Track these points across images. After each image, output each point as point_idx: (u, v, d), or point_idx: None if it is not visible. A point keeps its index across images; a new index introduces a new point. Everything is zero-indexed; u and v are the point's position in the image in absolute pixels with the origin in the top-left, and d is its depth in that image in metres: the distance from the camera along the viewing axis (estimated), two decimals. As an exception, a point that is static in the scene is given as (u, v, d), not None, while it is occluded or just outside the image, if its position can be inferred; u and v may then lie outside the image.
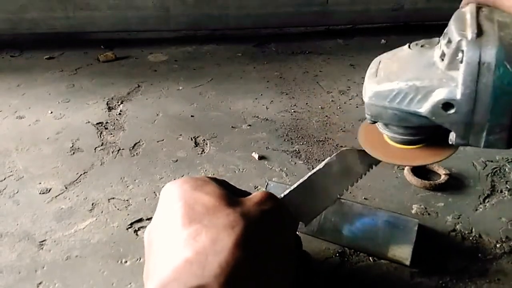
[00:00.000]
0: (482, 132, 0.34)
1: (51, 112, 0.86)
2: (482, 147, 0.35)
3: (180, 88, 0.97)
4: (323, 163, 0.45)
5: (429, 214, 0.56)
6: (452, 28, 0.35)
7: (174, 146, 0.73)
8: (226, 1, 1.24)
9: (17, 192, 0.62)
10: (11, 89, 0.97)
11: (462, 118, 0.34)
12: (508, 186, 0.61)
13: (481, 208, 0.57)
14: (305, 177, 0.44)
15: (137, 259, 0.50)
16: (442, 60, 0.35)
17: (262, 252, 0.33)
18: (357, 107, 0.86)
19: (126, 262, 0.50)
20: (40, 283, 0.47)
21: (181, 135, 0.77)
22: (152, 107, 0.88)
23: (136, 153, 0.71)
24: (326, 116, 0.83)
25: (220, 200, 0.35)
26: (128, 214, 0.57)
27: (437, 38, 0.39)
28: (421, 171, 0.63)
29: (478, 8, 0.36)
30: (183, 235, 0.32)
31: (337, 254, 0.50)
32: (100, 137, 0.76)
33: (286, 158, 0.69)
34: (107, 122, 0.81)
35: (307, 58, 1.15)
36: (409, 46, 0.40)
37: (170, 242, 0.33)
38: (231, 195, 0.37)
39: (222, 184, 0.40)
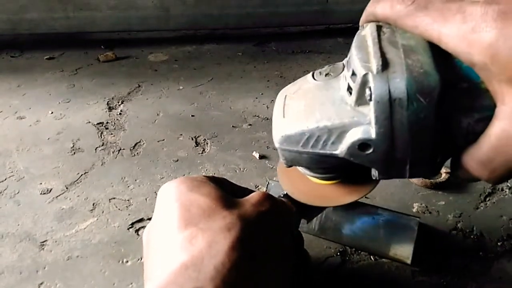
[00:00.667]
0: (405, 166, 0.32)
1: (52, 113, 0.86)
2: (407, 178, 0.33)
3: (181, 87, 0.97)
4: None
5: (430, 212, 0.56)
6: (355, 59, 0.31)
7: (175, 145, 0.73)
8: (226, 0, 1.24)
9: (18, 192, 0.62)
10: (11, 89, 0.97)
11: (382, 157, 0.31)
12: (509, 184, 0.61)
13: (482, 206, 0.57)
14: None
15: (138, 259, 0.50)
16: (350, 93, 0.32)
17: (259, 254, 0.33)
18: (357, 106, 0.86)
19: (127, 262, 0.50)
20: (41, 284, 0.47)
21: (181, 134, 0.77)
22: (152, 107, 0.88)
23: (137, 153, 0.71)
24: (327, 115, 0.83)
25: (216, 201, 0.35)
26: (129, 214, 0.57)
27: (341, 63, 0.36)
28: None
29: (379, 29, 0.32)
30: (179, 238, 0.32)
31: (338, 253, 0.50)
32: (101, 137, 0.76)
33: (286, 157, 0.69)
34: (107, 122, 0.81)
35: (307, 57, 1.15)
36: (313, 76, 0.37)
37: (166, 244, 0.33)
38: (228, 196, 0.37)
39: (220, 183, 0.40)
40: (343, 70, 0.35)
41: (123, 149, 0.72)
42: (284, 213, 0.39)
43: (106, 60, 1.13)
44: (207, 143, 0.74)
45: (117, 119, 0.83)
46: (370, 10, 0.34)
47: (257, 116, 0.83)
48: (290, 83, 0.40)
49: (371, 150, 0.31)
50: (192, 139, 0.75)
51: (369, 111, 0.30)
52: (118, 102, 0.90)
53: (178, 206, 0.35)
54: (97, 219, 0.57)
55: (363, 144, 0.32)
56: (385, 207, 0.52)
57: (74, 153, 0.72)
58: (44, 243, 0.53)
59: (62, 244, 0.53)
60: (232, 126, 0.79)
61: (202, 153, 0.71)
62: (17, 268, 0.49)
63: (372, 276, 0.47)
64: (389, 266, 0.48)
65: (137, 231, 0.55)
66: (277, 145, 0.36)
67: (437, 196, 0.59)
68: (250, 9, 1.26)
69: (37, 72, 1.07)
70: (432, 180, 0.60)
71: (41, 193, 0.62)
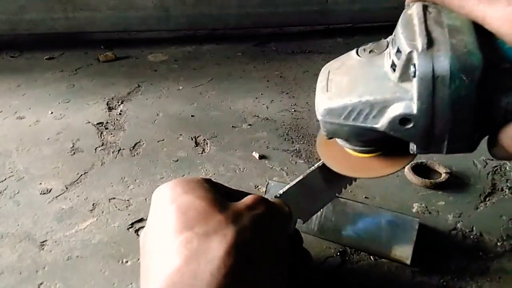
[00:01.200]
0: (443, 141, 0.33)
1: (51, 113, 0.86)
2: (444, 154, 0.34)
3: (180, 88, 0.97)
4: (321, 162, 0.45)
5: (429, 212, 0.56)
6: (400, 37, 0.33)
7: (175, 146, 0.73)
8: (225, 0, 1.24)
9: (18, 192, 0.62)
10: (11, 89, 0.97)
11: (421, 132, 0.33)
12: (508, 184, 0.61)
13: (481, 206, 0.57)
14: (303, 175, 0.45)
15: (138, 259, 0.50)
16: (394, 70, 0.33)
17: (255, 258, 0.33)
18: (357, 106, 0.86)
19: (127, 262, 0.50)
20: (41, 284, 0.47)
21: (181, 135, 0.77)
22: (152, 107, 0.88)
23: (137, 153, 0.71)
24: (327, 115, 0.83)
25: (212, 205, 0.35)
26: (128, 214, 0.57)
27: (385, 41, 0.37)
28: (421, 170, 0.63)
29: (425, 9, 0.34)
30: (175, 242, 0.32)
31: (338, 253, 0.50)
32: (101, 137, 0.76)
33: (286, 158, 0.69)
34: (107, 122, 0.81)
35: (307, 57, 1.15)
36: (357, 52, 0.38)
37: (162, 248, 0.33)
38: (223, 199, 0.37)
39: (215, 185, 0.40)
40: (386, 47, 0.36)
41: (123, 149, 0.72)
42: (278, 215, 0.39)
43: (106, 60, 1.13)
44: (207, 143, 0.74)
45: (116, 119, 0.83)
46: None
47: (257, 116, 0.83)
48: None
49: (411, 125, 0.33)
50: (192, 139, 0.75)
51: (412, 88, 0.32)
52: (118, 102, 0.90)
53: (174, 209, 0.35)
54: (97, 219, 0.57)
55: (403, 119, 0.33)
56: (385, 207, 0.52)
57: (74, 153, 0.72)
58: (44, 243, 0.53)
59: (62, 244, 0.53)
60: (232, 126, 0.79)
61: (202, 153, 0.71)
62: (17, 268, 0.49)
63: (372, 276, 0.47)
64: (389, 266, 0.48)
65: (137, 231, 0.55)
66: (319, 117, 0.37)
67: (437, 196, 0.59)
68: (250, 9, 1.26)
69: (36, 72, 1.07)
70: (432, 180, 0.60)
71: (41, 193, 0.62)
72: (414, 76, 0.31)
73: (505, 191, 0.60)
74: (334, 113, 0.36)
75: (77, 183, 0.64)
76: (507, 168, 0.65)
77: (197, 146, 0.73)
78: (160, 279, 0.30)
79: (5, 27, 1.20)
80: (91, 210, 0.58)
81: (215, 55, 1.18)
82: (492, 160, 0.66)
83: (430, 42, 0.30)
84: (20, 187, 0.63)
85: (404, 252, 0.47)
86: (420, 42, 0.31)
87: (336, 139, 0.41)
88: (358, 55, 0.38)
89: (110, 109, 0.87)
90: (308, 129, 0.77)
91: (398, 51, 0.33)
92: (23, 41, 1.27)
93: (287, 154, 0.70)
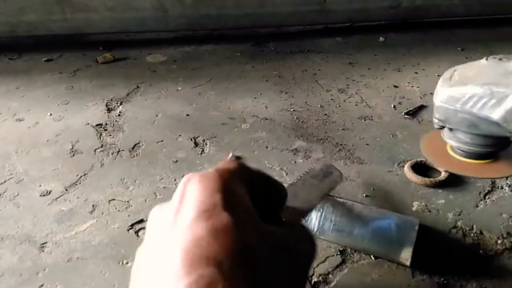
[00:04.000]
0: None
1: (51, 114, 0.86)
2: None
3: (179, 88, 0.97)
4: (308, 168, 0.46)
5: (429, 211, 0.56)
6: None
7: (174, 146, 0.73)
8: (224, 1, 1.24)
9: (18, 195, 0.62)
10: (10, 91, 0.97)
11: None
12: (508, 182, 0.61)
13: (481, 204, 0.57)
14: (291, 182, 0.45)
15: (138, 260, 0.50)
16: None
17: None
18: (356, 105, 0.86)
19: (127, 263, 0.50)
20: (41, 286, 0.47)
21: (180, 135, 0.77)
22: (151, 108, 0.88)
23: (136, 154, 0.71)
24: (326, 114, 0.83)
25: (231, 250, 0.23)
26: (128, 215, 0.57)
27: None
28: (421, 168, 0.63)
29: None
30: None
31: (338, 253, 0.50)
32: (100, 138, 0.76)
33: (286, 157, 0.69)
34: (106, 124, 0.81)
35: (305, 56, 1.15)
36: (486, 59, 0.40)
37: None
38: (255, 221, 0.26)
39: (252, 185, 0.28)
40: None
41: (122, 150, 0.72)
42: (310, 255, 0.29)
43: (105, 62, 1.13)
44: (206, 144, 0.74)
45: (116, 121, 0.83)
46: None
47: (256, 116, 0.83)
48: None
49: None
50: (191, 139, 0.75)
51: None
52: (117, 104, 0.90)
53: (181, 250, 0.23)
54: (96, 221, 0.57)
55: None
56: (385, 205, 0.52)
57: (73, 155, 0.72)
58: (44, 245, 0.53)
59: (62, 246, 0.53)
60: (231, 127, 0.79)
61: (201, 153, 0.71)
62: (18, 270, 0.49)
63: (372, 275, 0.47)
64: (389, 265, 0.48)
65: (137, 232, 0.55)
66: (437, 102, 0.38)
67: (436, 194, 0.59)
68: (248, 10, 1.26)
69: (35, 74, 1.07)
70: (431, 179, 0.60)
71: (40, 195, 0.62)
72: None
73: (505, 189, 0.60)
74: (453, 98, 0.37)
75: (77, 184, 0.64)
76: (507, 166, 0.65)
77: (196, 146, 0.73)
78: None
79: (3, 29, 1.20)
80: (91, 211, 0.58)
81: (214, 55, 1.18)
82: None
83: None
84: (20, 189, 0.63)
85: (403, 253, 0.47)
86: None
87: (444, 136, 0.42)
88: (487, 60, 0.40)
89: (109, 110, 0.87)
90: (307, 129, 0.77)
91: None
92: (22, 43, 1.27)
93: (286, 154, 0.70)
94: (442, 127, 0.40)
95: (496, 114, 0.35)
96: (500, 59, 0.39)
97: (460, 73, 0.39)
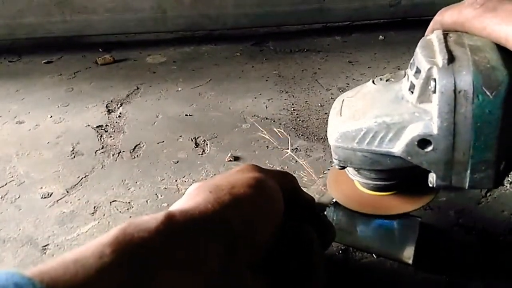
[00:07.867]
0: (466, 171, 0.30)
1: (51, 117, 0.86)
2: (467, 188, 0.32)
3: (179, 89, 0.97)
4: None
5: (431, 209, 0.56)
6: (419, 57, 0.31)
7: (175, 147, 0.73)
8: (223, 0, 1.24)
9: (19, 197, 0.62)
10: (10, 94, 0.97)
11: (442, 156, 0.30)
12: (509, 179, 0.61)
13: (483, 201, 0.57)
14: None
15: (140, 261, 0.50)
16: (412, 92, 0.32)
17: None
18: (356, 103, 0.86)
19: (129, 264, 0.50)
20: (43, 288, 0.47)
21: (181, 136, 0.77)
22: (151, 109, 0.88)
23: (137, 155, 0.71)
24: (326, 113, 0.83)
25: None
26: (130, 217, 0.57)
27: (403, 71, 0.36)
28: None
29: (445, 34, 0.33)
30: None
31: (340, 251, 0.50)
32: (100, 140, 0.76)
33: (287, 157, 0.69)
34: (107, 125, 0.81)
35: (305, 56, 1.15)
36: (373, 82, 0.37)
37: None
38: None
39: (284, 190, 0.35)
40: (404, 76, 0.35)
41: (123, 151, 0.72)
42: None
43: (104, 63, 1.13)
44: (207, 144, 0.74)
45: (116, 122, 0.83)
46: (437, 18, 0.35)
47: (257, 116, 0.83)
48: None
49: (430, 148, 0.30)
50: (192, 140, 0.75)
51: (432, 108, 0.30)
52: (117, 105, 0.90)
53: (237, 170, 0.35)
54: (98, 222, 0.57)
55: (423, 141, 0.31)
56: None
57: (74, 156, 0.72)
58: (46, 247, 0.53)
59: (64, 248, 0.53)
60: (232, 127, 0.79)
61: (202, 154, 0.71)
62: (19, 273, 0.49)
63: (375, 274, 0.47)
64: (391, 263, 0.48)
65: (138, 233, 0.54)
66: (332, 142, 0.35)
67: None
68: (248, 9, 1.26)
69: (35, 76, 1.07)
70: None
71: (41, 197, 0.62)
72: (434, 91, 0.29)
73: (506, 186, 0.60)
74: (347, 136, 0.34)
75: (78, 186, 0.64)
76: (508, 163, 0.64)
77: (197, 147, 0.73)
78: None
79: (3, 31, 1.20)
80: (92, 213, 0.58)
81: (213, 55, 1.18)
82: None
83: (451, 58, 0.29)
84: (21, 191, 0.63)
85: (405, 251, 0.47)
86: (440, 58, 0.29)
87: (350, 174, 0.39)
88: (374, 84, 0.37)
89: (109, 111, 0.87)
90: (308, 128, 0.77)
91: (417, 71, 0.31)
92: (21, 45, 1.27)
93: (287, 153, 0.70)
94: (345, 167, 0.38)
95: (397, 149, 0.32)
96: (387, 80, 0.36)
97: (349, 105, 0.35)
